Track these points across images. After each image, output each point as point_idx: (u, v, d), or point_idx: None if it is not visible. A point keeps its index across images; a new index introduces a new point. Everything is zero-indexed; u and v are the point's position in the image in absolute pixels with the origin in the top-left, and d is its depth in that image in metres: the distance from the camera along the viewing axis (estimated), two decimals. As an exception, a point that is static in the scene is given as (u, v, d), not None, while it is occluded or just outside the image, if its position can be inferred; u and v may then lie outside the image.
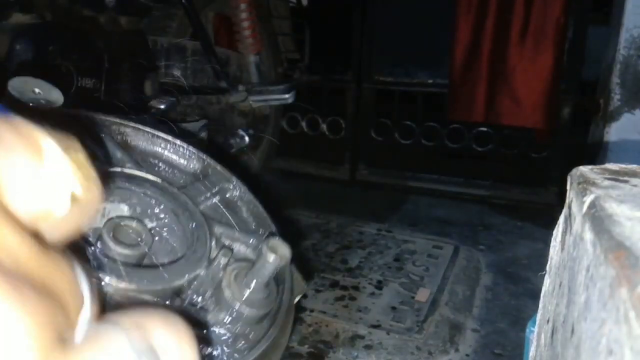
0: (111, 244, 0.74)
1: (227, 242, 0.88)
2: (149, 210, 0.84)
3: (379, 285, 1.66)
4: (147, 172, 0.86)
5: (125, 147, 0.89)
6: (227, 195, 0.96)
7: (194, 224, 0.85)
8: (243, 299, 0.78)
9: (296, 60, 2.57)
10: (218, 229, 0.88)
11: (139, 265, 0.76)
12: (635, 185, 0.47)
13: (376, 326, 1.43)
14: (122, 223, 0.78)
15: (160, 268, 0.76)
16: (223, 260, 0.82)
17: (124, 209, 0.82)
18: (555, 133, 2.45)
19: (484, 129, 2.58)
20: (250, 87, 1.86)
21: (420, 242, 2.01)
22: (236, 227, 0.91)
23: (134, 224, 0.79)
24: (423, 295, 1.60)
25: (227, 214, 0.93)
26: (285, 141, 2.87)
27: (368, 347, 1.34)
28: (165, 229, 0.84)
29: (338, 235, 2.06)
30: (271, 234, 0.93)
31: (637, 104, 2.19)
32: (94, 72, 1.23)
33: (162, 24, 1.71)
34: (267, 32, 2.29)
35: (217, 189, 0.94)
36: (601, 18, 2.62)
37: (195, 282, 0.79)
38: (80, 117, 0.85)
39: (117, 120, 0.89)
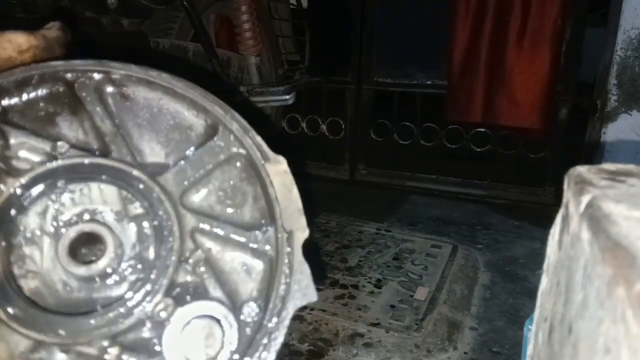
0: (67, 262, 0.67)
1: (204, 253, 0.74)
2: (107, 212, 0.73)
3: (378, 284, 1.67)
4: (124, 149, 0.73)
5: (123, 98, 0.74)
6: (228, 170, 0.77)
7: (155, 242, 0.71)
8: None
9: (296, 62, 2.57)
10: (199, 238, 0.74)
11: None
12: (632, 185, 0.48)
13: (375, 324, 1.44)
14: (82, 230, 0.70)
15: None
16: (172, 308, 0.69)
17: (93, 200, 0.72)
18: (552, 133, 2.46)
19: (482, 129, 2.59)
20: (251, 88, 1.87)
21: (419, 241, 2.02)
22: (233, 224, 0.76)
23: (94, 228, 0.70)
24: (422, 293, 1.61)
25: (221, 198, 0.76)
26: (285, 141, 2.89)
27: (367, 345, 1.35)
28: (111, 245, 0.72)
29: (338, 235, 2.07)
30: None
31: (634, 105, 2.20)
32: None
33: (164, 26, 1.72)
34: (267, 34, 2.30)
35: (218, 159, 0.76)
36: (598, 19, 2.63)
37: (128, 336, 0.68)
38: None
39: (116, 66, 0.72)
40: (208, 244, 0.75)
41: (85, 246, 0.73)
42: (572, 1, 2.28)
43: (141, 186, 0.73)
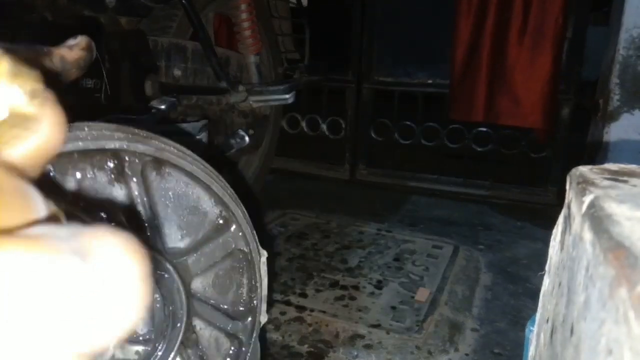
0: None
1: (197, 334, 0.79)
2: None
3: (379, 285, 1.66)
4: (150, 224, 0.74)
5: (156, 187, 0.74)
6: (229, 261, 0.83)
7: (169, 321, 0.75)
8: None
9: (296, 61, 2.57)
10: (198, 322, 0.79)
11: None
12: (634, 185, 0.48)
13: (376, 326, 1.43)
14: None
15: None
16: None
17: None
18: (554, 133, 2.46)
19: (484, 129, 2.58)
20: (250, 87, 1.86)
21: (420, 242, 2.02)
22: (217, 306, 0.82)
23: None
24: (423, 294, 1.60)
25: (216, 287, 0.81)
26: (285, 141, 2.88)
27: (368, 347, 1.34)
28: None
29: (338, 235, 2.06)
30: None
31: (637, 104, 2.19)
32: (95, 72, 1.23)
33: (163, 24, 1.71)
34: (267, 33, 2.29)
35: (225, 252, 0.82)
36: (601, 18, 2.63)
37: None
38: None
39: (174, 158, 0.71)
40: (197, 323, 0.81)
41: None
42: (574, 0, 2.28)
43: (165, 275, 0.75)
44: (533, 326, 0.65)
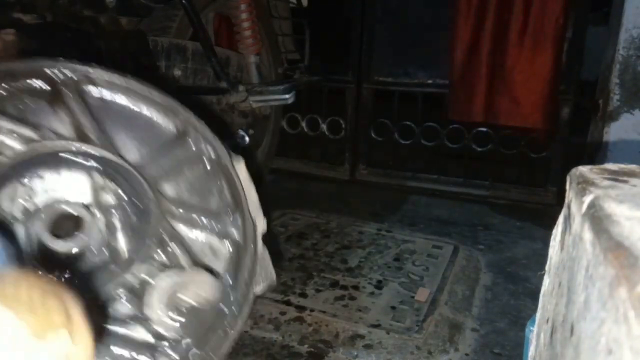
0: (46, 236, 0.74)
1: (178, 231, 0.85)
2: (93, 194, 0.82)
3: (379, 285, 1.66)
4: (103, 144, 0.81)
5: (98, 107, 0.82)
6: (200, 167, 0.89)
7: (140, 216, 0.81)
8: (169, 325, 0.79)
9: (296, 61, 2.57)
10: (172, 220, 0.84)
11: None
12: (634, 185, 0.48)
13: (376, 326, 1.43)
14: (63, 208, 0.77)
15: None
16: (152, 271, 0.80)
17: (67, 193, 0.81)
18: (554, 133, 2.45)
19: (484, 129, 2.58)
20: (250, 88, 1.86)
21: (420, 241, 2.02)
22: (201, 211, 0.87)
23: (75, 209, 0.78)
24: (423, 294, 1.60)
25: (191, 190, 0.88)
26: (285, 141, 2.88)
27: (368, 347, 1.34)
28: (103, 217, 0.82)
29: (338, 235, 2.06)
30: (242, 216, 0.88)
31: (636, 104, 2.19)
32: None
33: (163, 25, 1.71)
34: (267, 33, 2.30)
35: (189, 156, 0.88)
36: (601, 18, 2.63)
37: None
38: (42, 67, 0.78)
39: (87, 69, 0.80)
40: (181, 228, 0.86)
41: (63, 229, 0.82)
42: (574, 0, 2.28)
43: (123, 172, 0.82)
44: (533, 326, 0.65)
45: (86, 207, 0.82)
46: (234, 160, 0.88)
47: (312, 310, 1.50)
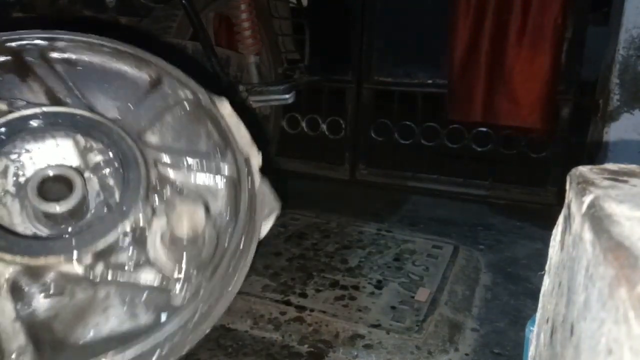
0: (37, 201, 0.74)
1: (169, 176, 0.85)
2: (75, 152, 0.82)
3: (379, 285, 1.66)
4: (79, 104, 0.81)
5: (66, 69, 0.82)
6: (180, 111, 0.89)
7: (126, 168, 0.82)
8: (173, 264, 0.79)
9: (296, 61, 2.57)
10: (158, 165, 0.85)
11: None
12: (634, 185, 0.48)
13: (376, 326, 1.43)
14: (49, 173, 0.77)
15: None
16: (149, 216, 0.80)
17: (54, 159, 0.81)
18: (554, 133, 2.45)
19: (484, 129, 2.58)
20: (250, 88, 1.86)
21: (420, 241, 2.02)
22: (189, 153, 0.88)
23: (63, 172, 0.78)
24: (423, 294, 1.60)
25: (176, 136, 0.88)
26: (285, 141, 2.88)
27: (368, 347, 1.34)
28: (92, 174, 0.82)
29: (338, 235, 2.06)
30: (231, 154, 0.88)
31: (636, 104, 2.19)
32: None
33: (163, 24, 1.71)
34: (267, 33, 2.30)
35: (167, 102, 0.88)
36: (600, 18, 2.62)
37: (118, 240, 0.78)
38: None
39: (49, 34, 0.80)
40: (171, 173, 0.87)
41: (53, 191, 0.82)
42: (574, 0, 2.28)
43: (104, 129, 0.82)
44: (533, 326, 0.65)
45: (75, 169, 0.82)
46: (216, 100, 0.88)
47: (312, 310, 1.50)
